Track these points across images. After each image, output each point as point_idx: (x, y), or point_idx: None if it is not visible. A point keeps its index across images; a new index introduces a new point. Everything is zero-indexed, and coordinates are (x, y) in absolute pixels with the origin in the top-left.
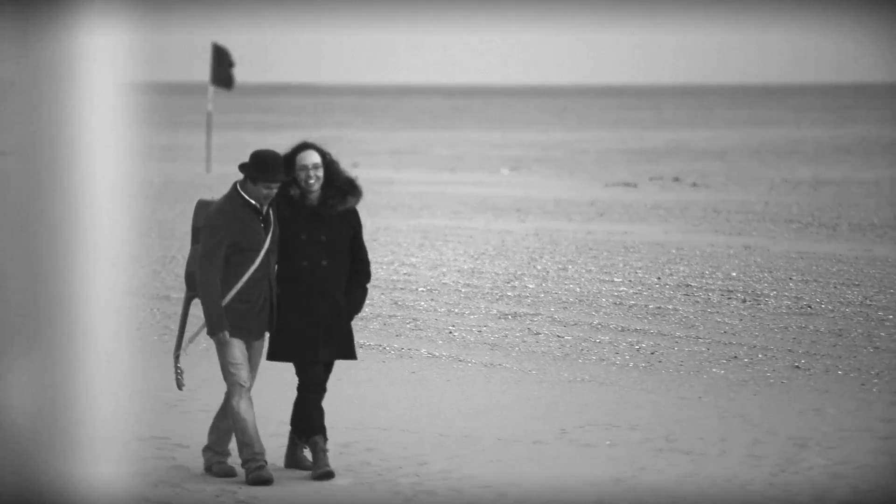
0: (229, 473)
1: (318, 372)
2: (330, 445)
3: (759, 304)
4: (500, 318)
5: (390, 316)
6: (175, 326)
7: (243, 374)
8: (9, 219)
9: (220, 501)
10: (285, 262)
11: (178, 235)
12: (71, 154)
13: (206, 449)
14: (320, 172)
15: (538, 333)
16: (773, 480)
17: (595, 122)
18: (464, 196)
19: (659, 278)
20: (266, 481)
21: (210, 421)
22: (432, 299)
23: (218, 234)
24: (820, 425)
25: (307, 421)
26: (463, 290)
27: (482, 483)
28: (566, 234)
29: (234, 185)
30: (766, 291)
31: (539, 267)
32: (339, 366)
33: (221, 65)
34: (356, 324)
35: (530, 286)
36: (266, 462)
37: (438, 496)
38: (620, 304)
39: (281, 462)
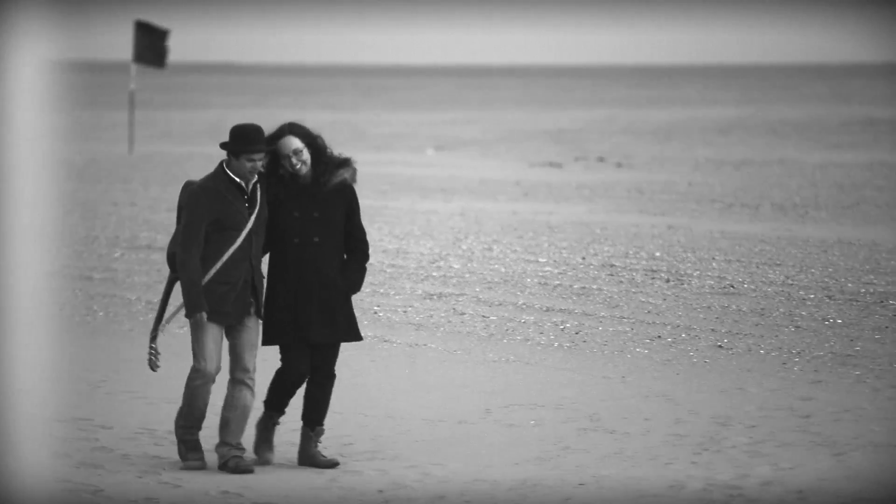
0: (246, 470)
1: (301, 357)
2: (251, 426)
3: (682, 284)
4: (425, 298)
5: None
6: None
7: (213, 362)
8: None
9: (142, 482)
10: (278, 242)
11: (101, 215)
12: None
13: (221, 444)
14: (304, 156)
15: (463, 314)
16: (695, 459)
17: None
18: (390, 176)
19: (583, 258)
20: (199, 468)
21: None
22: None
23: (199, 211)
24: (742, 404)
25: (273, 400)
26: (388, 271)
27: (407, 463)
28: (491, 214)
29: (220, 163)
30: (689, 271)
31: (464, 247)
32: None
33: (153, 43)
34: None
35: (455, 266)
36: (200, 445)
37: (363, 476)
38: (545, 284)
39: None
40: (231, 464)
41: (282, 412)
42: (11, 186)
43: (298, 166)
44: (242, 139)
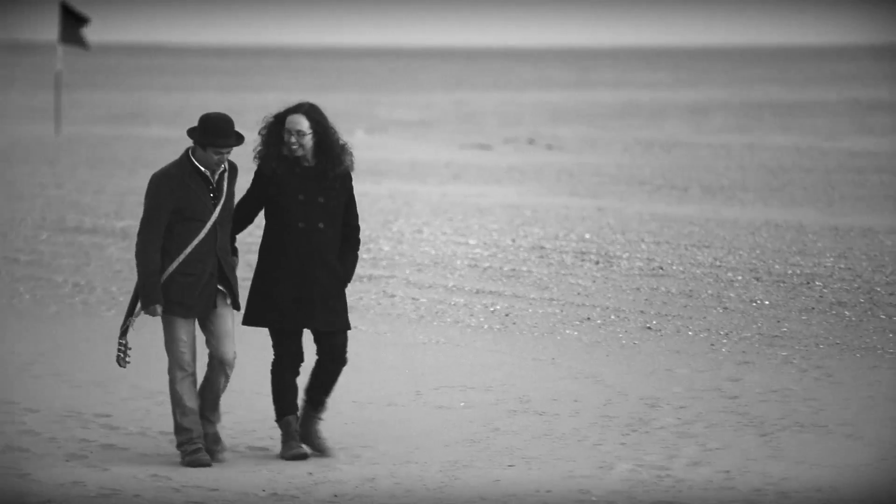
0: (204, 463)
1: (295, 343)
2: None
3: (611, 266)
4: (355, 280)
5: (244, 279)
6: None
7: (187, 356)
8: None
9: (69, 466)
10: (277, 225)
11: (27, 197)
12: None
13: (205, 435)
14: (305, 140)
15: (393, 296)
16: (624, 440)
17: (451, 85)
18: None
19: (513, 240)
20: (203, 464)
21: (62, 386)
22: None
23: (160, 198)
24: (670, 385)
25: (281, 402)
26: None
27: (337, 445)
28: (421, 196)
29: (186, 150)
30: (618, 253)
31: (394, 229)
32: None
33: (72, 24)
34: None
35: (385, 248)
36: (203, 445)
37: (306, 462)
38: (475, 266)
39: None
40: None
41: (296, 414)
42: None
43: (295, 147)
44: (211, 131)
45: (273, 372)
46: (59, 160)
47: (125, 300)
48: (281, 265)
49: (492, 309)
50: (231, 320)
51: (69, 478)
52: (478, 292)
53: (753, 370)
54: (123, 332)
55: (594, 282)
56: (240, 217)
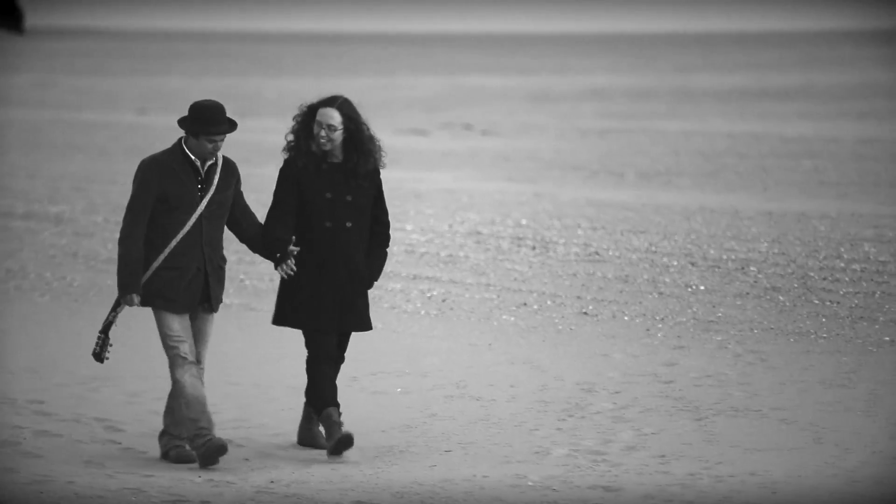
0: (187, 459)
1: (330, 342)
2: (119, 395)
3: (548, 252)
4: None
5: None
6: None
7: (184, 346)
8: None
9: (1, 453)
10: (303, 223)
11: None
12: None
13: (163, 434)
14: (335, 135)
15: None
16: (560, 425)
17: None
18: (255, 143)
19: (450, 226)
20: (218, 449)
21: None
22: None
23: (147, 185)
24: (606, 370)
25: (319, 396)
26: None
27: (273, 431)
28: None
29: (179, 139)
30: (555, 238)
31: None
32: (126, 315)
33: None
34: None
35: None
36: (212, 434)
37: (231, 443)
38: (412, 251)
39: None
40: (172, 454)
41: (337, 403)
42: None
43: (324, 141)
44: (204, 119)
45: (309, 367)
46: None
47: (59, 286)
48: (306, 265)
49: (428, 294)
50: (211, 322)
51: (1, 465)
52: (414, 278)
53: (688, 355)
54: (105, 326)
55: (530, 267)
56: (285, 218)
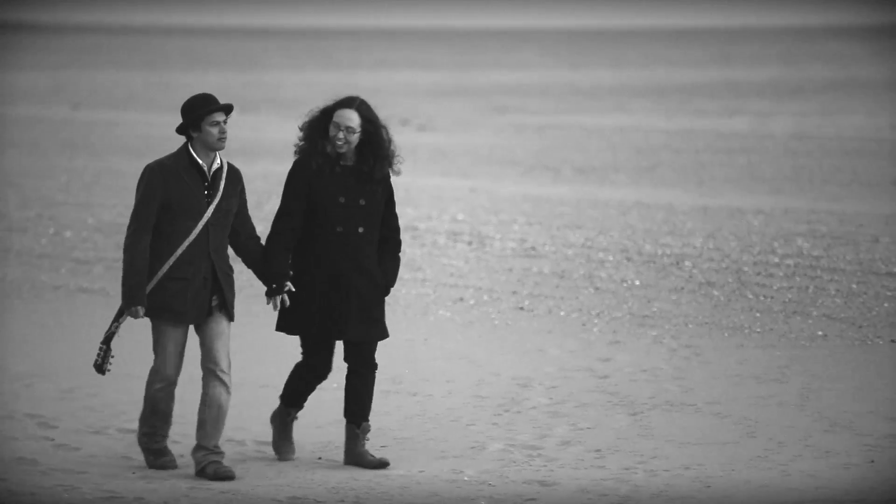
0: (225, 475)
1: (328, 356)
2: (52, 391)
3: (484, 247)
4: None
5: (115, 260)
6: None
7: (171, 368)
8: None
9: None
10: (313, 228)
11: None
12: None
13: (197, 448)
14: (353, 137)
15: None
16: (496, 420)
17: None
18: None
19: None
20: (167, 467)
21: None
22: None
23: (152, 190)
24: (542, 365)
25: (293, 395)
26: None
27: None
28: None
29: (185, 144)
30: (491, 234)
31: (266, 209)
32: (61, 310)
33: None
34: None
35: (257, 230)
36: (165, 446)
37: (177, 444)
38: None
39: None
40: (209, 470)
41: (300, 407)
42: None
43: (341, 143)
44: (198, 104)
45: (296, 372)
46: None
47: None
48: (316, 271)
49: None
50: (227, 325)
51: None
52: None
53: (624, 350)
54: (107, 337)
55: (467, 262)
56: (292, 227)
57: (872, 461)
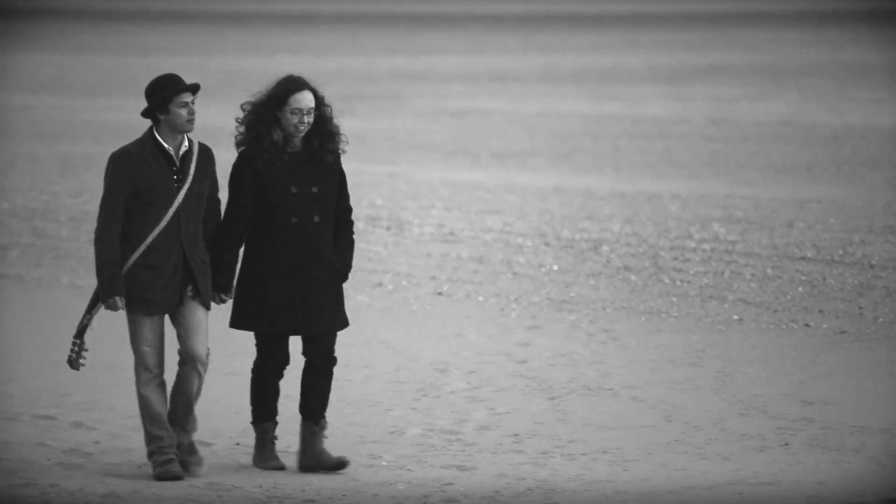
0: (173, 476)
1: (284, 350)
2: None
3: (403, 232)
4: None
5: (29, 245)
6: None
7: (152, 356)
8: None
9: None
10: (265, 221)
11: None
12: None
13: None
14: (312, 118)
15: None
16: (415, 405)
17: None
18: (106, 122)
19: None
20: (175, 476)
21: None
22: (74, 228)
23: (118, 179)
24: (461, 350)
25: (261, 406)
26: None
27: (125, 413)
28: None
29: (150, 128)
30: (410, 219)
31: None
32: None
33: None
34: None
35: None
36: (176, 455)
37: (80, 428)
38: None
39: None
40: (156, 471)
41: (275, 421)
42: None
43: (304, 127)
44: (166, 84)
45: (255, 374)
46: None
47: None
48: (272, 265)
49: None
50: (204, 313)
51: None
52: None
53: (542, 335)
54: (80, 330)
55: (385, 247)
56: (242, 232)
57: (786, 444)
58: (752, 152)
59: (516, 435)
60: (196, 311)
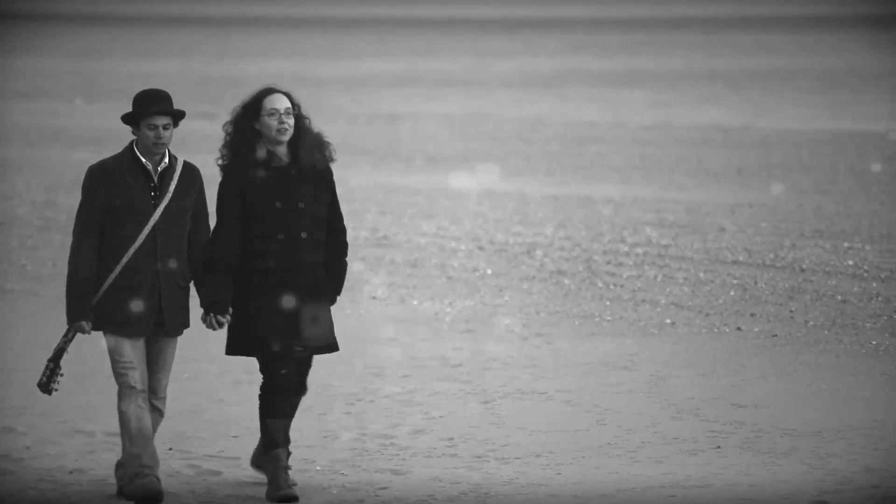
0: (151, 491)
1: (290, 370)
2: None
3: None
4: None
5: None
6: None
7: (134, 374)
8: None
9: None
10: (251, 238)
11: None
12: None
13: (119, 465)
14: (292, 121)
15: None
16: (349, 409)
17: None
18: (38, 126)
19: None
20: (153, 495)
21: None
22: (4, 232)
23: (93, 193)
24: (394, 354)
25: (269, 437)
26: (37, 223)
27: (57, 419)
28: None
29: (130, 143)
30: (344, 223)
31: None
32: None
33: None
34: None
35: None
36: (157, 477)
37: (14, 431)
38: None
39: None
40: (127, 489)
41: (288, 446)
42: None
43: (285, 128)
44: (141, 101)
45: (262, 398)
46: None
47: None
48: (260, 284)
49: None
50: (171, 346)
51: None
52: None
53: (476, 339)
54: (56, 353)
55: None
56: (235, 250)
57: (718, 447)
58: (683, 157)
59: (450, 439)
60: (164, 344)
